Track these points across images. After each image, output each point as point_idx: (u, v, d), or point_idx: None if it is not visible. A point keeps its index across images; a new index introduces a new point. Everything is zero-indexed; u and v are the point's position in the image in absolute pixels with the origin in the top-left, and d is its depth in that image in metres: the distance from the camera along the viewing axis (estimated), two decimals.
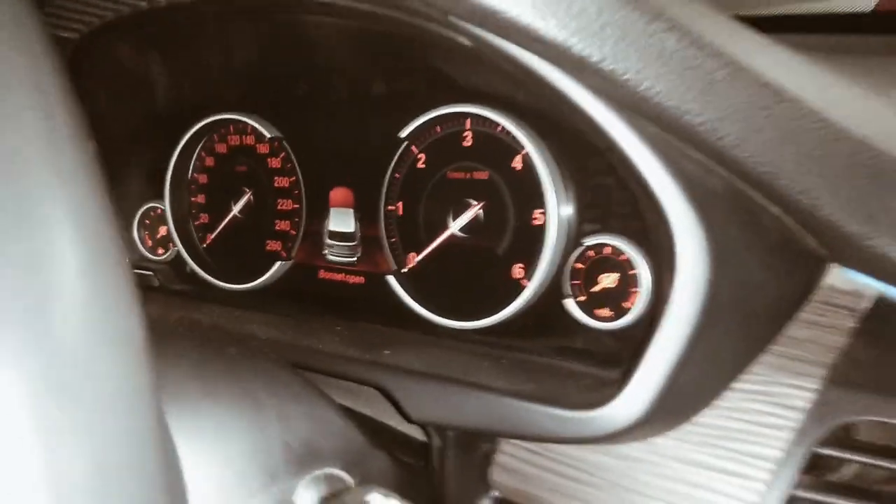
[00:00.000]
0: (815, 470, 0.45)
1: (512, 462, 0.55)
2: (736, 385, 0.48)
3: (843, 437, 0.45)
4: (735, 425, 0.48)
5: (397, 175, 0.71)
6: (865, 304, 0.49)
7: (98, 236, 0.20)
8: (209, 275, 0.84)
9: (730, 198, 0.45)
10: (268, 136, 0.79)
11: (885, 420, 0.45)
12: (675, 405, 0.46)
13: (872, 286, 0.49)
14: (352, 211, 0.75)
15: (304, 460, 0.42)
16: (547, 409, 0.48)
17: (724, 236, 0.45)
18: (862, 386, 0.46)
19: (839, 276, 0.49)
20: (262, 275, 0.80)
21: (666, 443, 0.49)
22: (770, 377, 0.48)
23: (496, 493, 0.56)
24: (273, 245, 0.81)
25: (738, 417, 0.48)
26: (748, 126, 0.42)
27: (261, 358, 0.47)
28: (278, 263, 0.80)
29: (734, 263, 0.46)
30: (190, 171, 0.86)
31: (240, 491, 0.40)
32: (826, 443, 0.45)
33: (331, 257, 0.77)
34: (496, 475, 0.55)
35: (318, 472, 0.42)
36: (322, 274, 0.78)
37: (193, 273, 0.86)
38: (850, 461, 0.46)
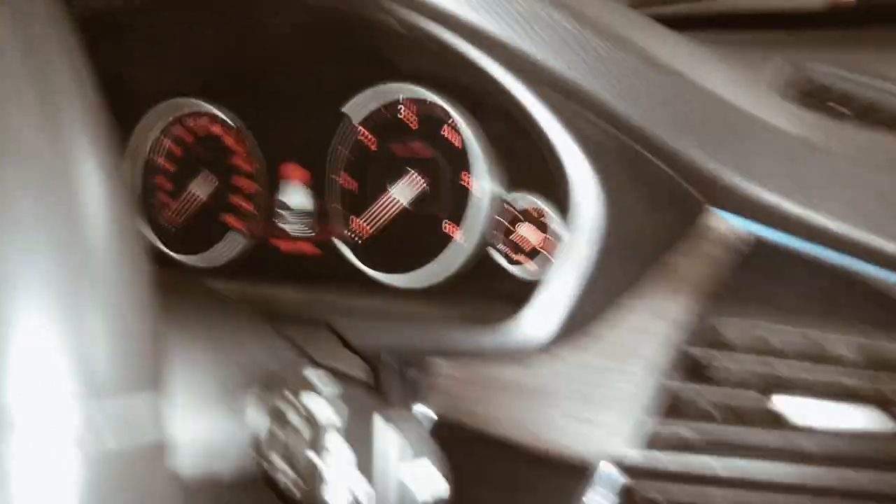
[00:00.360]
0: (693, 373, 0.56)
1: (446, 386, 0.64)
2: (624, 303, 0.58)
3: (713, 342, 0.56)
4: (622, 335, 0.58)
5: (345, 150, 0.79)
6: (738, 241, 0.58)
7: (115, 178, 0.29)
8: (175, 252, 0.91)
9: (621, 153, 0.55)
10: (225, 119, 0.86)
11: (752, 329, 0.55)
12: (574, 318, 0.56)
13: (745, 226, 0.58)
14: (306, 186, 0.83)
15: (256, 378, 0.50)
16: (471, 329, 0.57)
17: (616, 185, 0.55)
18: (733, 303, 0.56)
19: (717, 218, 0.59)
20: (225, 250, 0.87)
21: (567, 356, 0.58)
22: (653, 298, 0.58)
23: (433, 416, 0.64)
24: (234, 222, 0.88)
25: (625, 329, 0.58)
26: (632, 93, 0.51)
27: (222, 300, 0.55)
28: (240, 239, 0.87)
29: (625, 207, 0.55)
30: (151, 154, 0.92)
31: (200, 405, 0.47)
32: (698, 347, 0.55)
33: (288, 230, 0.85)
34: (432, 399, 0.64)
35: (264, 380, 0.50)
36: (280, 246, 0.86)
37: (160, 252, 0.92)
38: (720, 368, 0.56)
